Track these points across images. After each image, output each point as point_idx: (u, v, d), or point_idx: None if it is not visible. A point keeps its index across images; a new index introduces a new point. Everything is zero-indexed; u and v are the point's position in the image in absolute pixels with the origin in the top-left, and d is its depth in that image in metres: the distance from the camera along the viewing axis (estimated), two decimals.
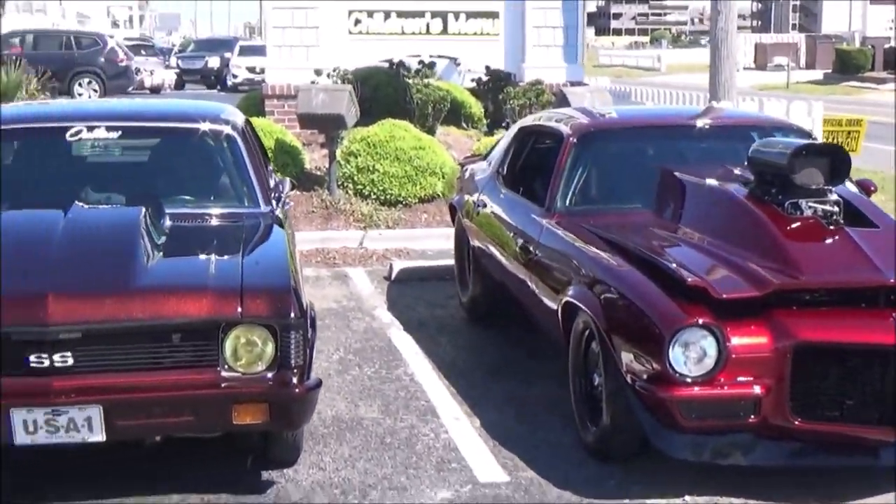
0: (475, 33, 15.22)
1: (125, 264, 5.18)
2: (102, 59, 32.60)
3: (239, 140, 6.78)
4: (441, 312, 8.97)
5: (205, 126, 6.83)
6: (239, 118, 7.23)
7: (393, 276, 10.12)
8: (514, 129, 8.62)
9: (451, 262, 9.51)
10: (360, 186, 12.23)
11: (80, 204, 5.92)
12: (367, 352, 7.85)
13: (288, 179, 7.13)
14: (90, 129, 6.64)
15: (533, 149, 7.99)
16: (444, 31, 15.13)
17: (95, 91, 32.03)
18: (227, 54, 42.40)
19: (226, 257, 5.51)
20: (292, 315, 5.02)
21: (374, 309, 9.08)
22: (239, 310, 4.97)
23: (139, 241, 5.37)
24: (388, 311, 9.04)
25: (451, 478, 5.65)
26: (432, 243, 11.36)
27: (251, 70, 38.48)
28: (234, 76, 39.84)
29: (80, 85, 31.84)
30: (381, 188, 12.17)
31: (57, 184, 6.56)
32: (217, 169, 6.78)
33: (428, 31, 15.12)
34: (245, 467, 5.65)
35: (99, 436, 4.92)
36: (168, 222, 5.98)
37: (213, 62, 43.61)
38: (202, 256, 5.54)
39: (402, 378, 7.25)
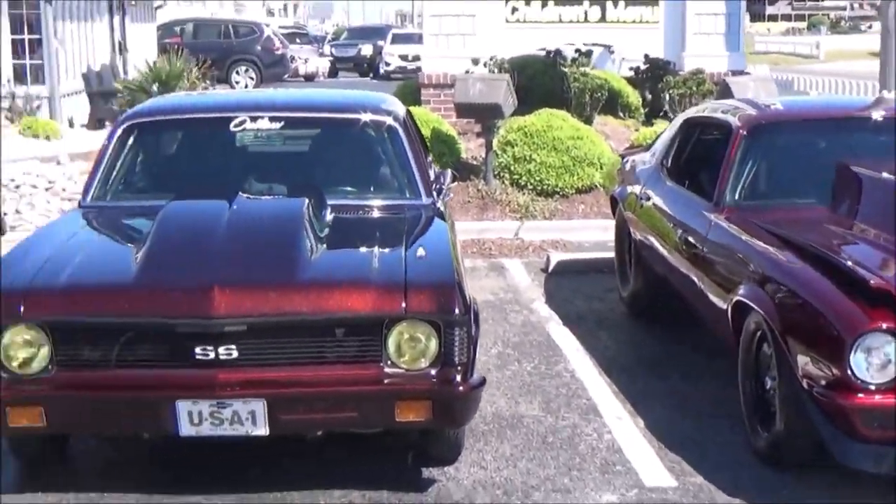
0: (634, 21, 14.97)
1: (290, 257, 5.14)
2: (259, 48, 33.13)
3: (400, 131, 6.71)
4: (600, 306, 8.79)
5: (366, 117, 6.78)
6: (400, 108, 7.16)
7: (550, 268, 9.97)
8: (678, 120, 8.38)
9: (609, 254, 9.32)
10: (516, 176, 12.10)
11: (244, 195, 5.92)
12: (526, 346, 7.71)
13: (449, 171, 7.03)
14: (253, 119, 6.64)
15: (699, 141, 7.75)
16: (603, 18, 14.93)
17: (252, 79, 32.57)
18: (380, 42, 42.72)
19: (389, 251, 5.44)
20: (457, 311, 4.92)
21: (531, 302, 8.95)
22: (403, 305, 4.88)
23: (303, 234, 5.33)
24: (545, 304, 8.89)
25: (616, 481, 5.48)
26: (589, 235, 11.18)
27: (403, 58, 38.73)
28: (387, 64, 40.09)
29: (237, 73, 32.42)
30: (537, 178, 12.02)
31: (220, 174, 6.59)
32: (378, 160, 6.73)
33: (586, 19, 14.93)
34: (405, 464, 5.58)
35: (262, 429, 4.90)
36: (330, 214, 5.94)
37: (366, 50, 43.95)
38: (365, 250, 5.48)
39: (563, 374, 7.10)
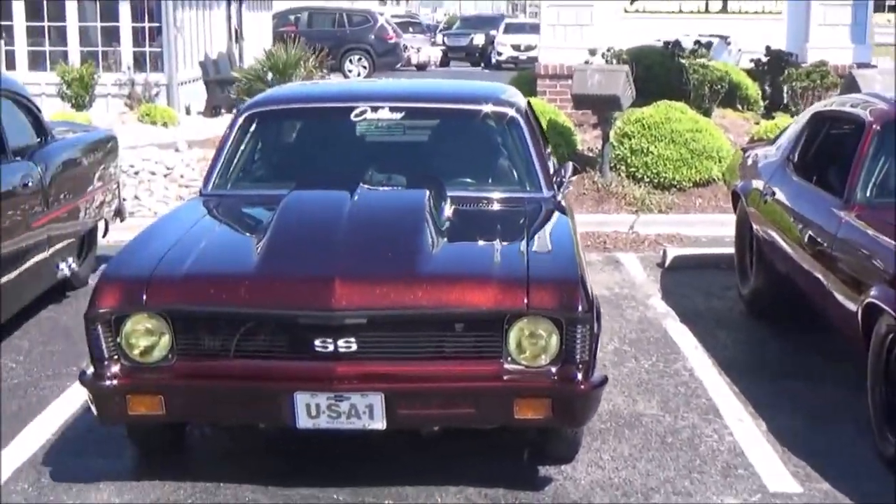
0: (756, 12, 14.66)
1: (412, 250, 5.08)
2: (372, 37, 33.23)
3: (522, 122, 6.61)
4: (718, 304, 8.61)
5: (488, 108, 6.70)
6: (521, 100, 7.07)
7: (667, 263, 9.80)
8: (806, 114, 8.15)
9: (727, 250, 9.13)
10: (632, 169, 11.93)
11: (365, 186, 5.87)
12: (643, 343, 7.58)
13: (571, 164, 6.91)
14: (374, 109, 6.60)
15: (828, 136, 7.52)
16: (724, 9, 14.66)
17: (365, 68, 32.69)
18: (493, 32, 42.52)
19: (510, 245, 5.35)
20: (580, 309, 4.80)
21: (648, 298, 8.80)
22: (525, 301, 4.78)
23: (425, 227, 5.27)
24: (662, 300, 8.74)
25: (739, 485, 5.33)
26: (706, 230, 10.99)
27: (516, 48, 38.60)
28: (499, 54, 39.92)
29: (350, 62, 32.52)
30: (654, 171, 11.84)
31: (340, 164, 6.55)
32: (499, 152, 6.65)
33: (706, 10, 14.66)
34: (521, 461, 5.49)
35: (380, 423, 4.84)
36: (449, 206, 5.87)
37: (479, 40, 43.81)
38: (486, 243, 5.40)
39: (681, 373, 6.95)
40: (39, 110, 8.53)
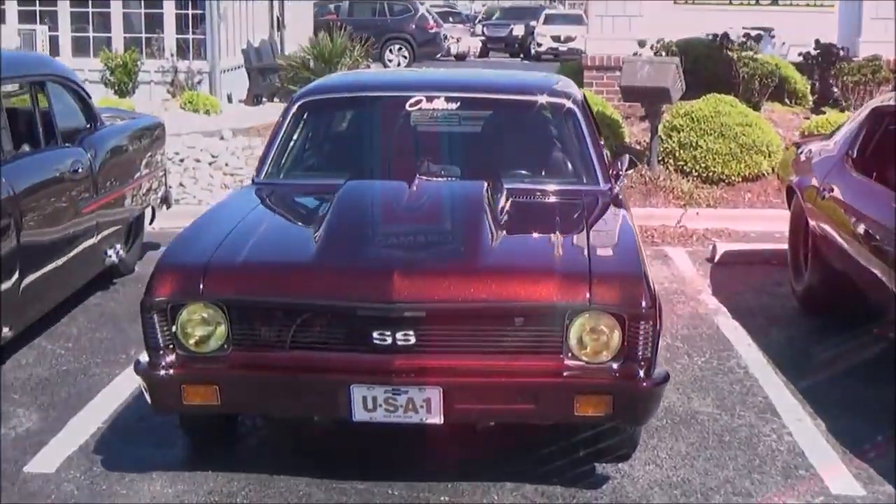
0: (808, 4, 14.47)
1: (471, 243, 5.00)
2: (413, 26, 33.12)
3: (579, 113, 6.53)
4: (770, 300, 8.48)
5: (545, 99, 6.61)
6: (577, 91, 6.98)
7: (716, 257, 9.68)
8: (865, 109, 8.00)
9: (777, 245, 9.02)
10: (681, 163, 11.79)
11: (423, 177, 5.79)
12: (696, 339, 7.47)
13: (627, 156, 6.81)
14: (429, 99, 6.51)
15: (888, 131, 7.38)
16: (775, 1, 14.46)
17: (405, 58, 32.60)
18: (532, 23, 42.26)
19: (570, 238, 5.27)
20: (643, 304, 4.71)
21: (698, 293, 8.68)
22: (587, 296, 4.69)
23: (485, 219, 5.19)
24: (712, 295, 8.63)
25: (800, 486, 5.22)
26: (756, 224, 10.86)
27: (556, 39, 38.36)
28: (539, 45, 39.64)
29: (390, 51, 32.43)
30: (703, 165, 11.70)
31: (395, 154, 6.47)
32: (555, 143, 6.57)
33: (757, 2, 14.48)
34: (578, 458, 5.40)
35: (437, 418, 4.76)
36: (506, 198, 5.78)
37: (518, 30, 43.53)
38: (545, 237, 5.33)
39: (735, 370, 6.84)
40: (89, 96, 8.51)
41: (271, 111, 15.69)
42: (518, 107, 6.69)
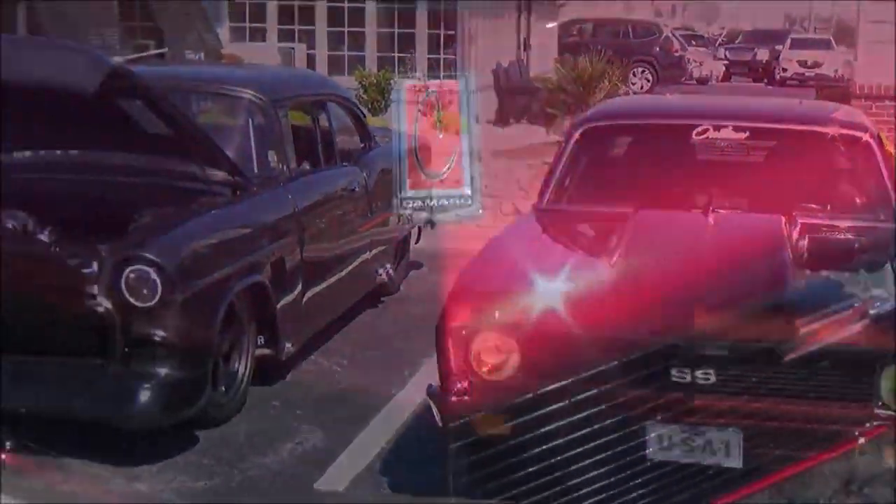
0: None
1: (777, 279, 4.81)
2: (657, 49, 32.76)
3: (875, 146, 6.24)
4: None
5: (838, 130, 6.34)
6: (869, 122, 6.68)
7: None
8: None
9: None
10: None
11: (717, 209, 5.62)
12: None
13: None
14: (717, 128, 6.33)
15: None
16: None
17: (648, 81, 32.24)
18: (778, 47, 41.20)
19: (876, 278, 4.99)
20: None
21: None
22: None
23: (787, 255, 4.98)
24: None
25: None
26: None
27: (802, 64, 37.35)
28: (784, 70, 38.59)
29: (633, 74, 32.11)
30: None
31: (680, 183, 6.31)
32: (846, 177, 6.30)
33: None
34: None
35: (735, 461, 4.58)
36: (802, 233, 5.54)
37: (762, 54, 42.41)
38: (850, 276, 5.05)
39: None
40: (364, 115, 8.68)
41: (524, 133, 15.67)
42: (810, 138, 6.44)
